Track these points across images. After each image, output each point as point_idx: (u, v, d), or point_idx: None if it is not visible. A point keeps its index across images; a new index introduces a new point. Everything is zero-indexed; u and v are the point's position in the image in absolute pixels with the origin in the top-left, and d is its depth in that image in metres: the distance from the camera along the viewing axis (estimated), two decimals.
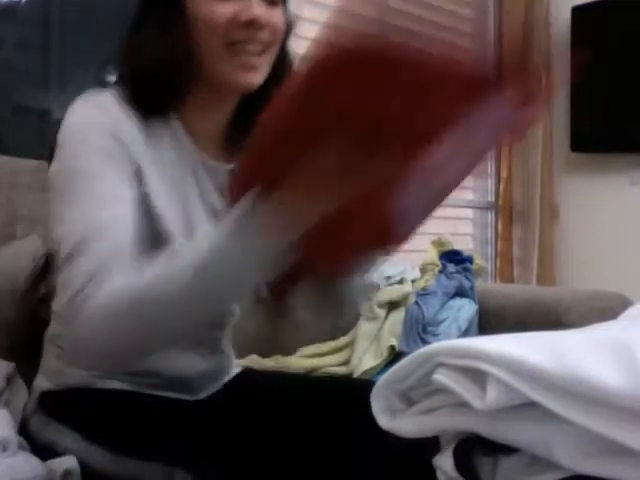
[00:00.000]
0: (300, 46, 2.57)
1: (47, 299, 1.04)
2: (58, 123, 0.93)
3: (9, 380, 1.02)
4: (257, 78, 0.90)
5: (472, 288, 1.82)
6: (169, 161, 0.91)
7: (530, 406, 0.53)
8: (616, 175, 2.78)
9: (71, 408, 0.96)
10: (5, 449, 0.81)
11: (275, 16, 0.91)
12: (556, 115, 2.87)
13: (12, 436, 0.84)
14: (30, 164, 1.32)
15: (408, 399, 0.62)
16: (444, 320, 1.71)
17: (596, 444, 0.50)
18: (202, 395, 1.04)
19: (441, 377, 0.57)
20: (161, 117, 0.91)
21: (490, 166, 2.98)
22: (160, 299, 0.72)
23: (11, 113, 1.72)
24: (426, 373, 0.60)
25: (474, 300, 1.80)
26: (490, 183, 2.97)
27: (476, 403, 0.55)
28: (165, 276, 0.72)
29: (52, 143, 0.88)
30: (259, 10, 0.88)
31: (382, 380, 0.61)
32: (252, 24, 0.87)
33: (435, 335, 1.60)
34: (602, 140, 2.77)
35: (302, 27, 2.44)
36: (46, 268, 1.11)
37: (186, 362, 1.00)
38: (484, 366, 0.55)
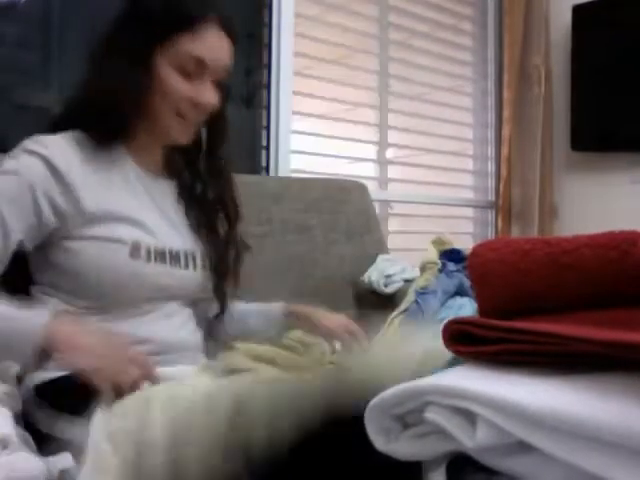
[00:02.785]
0: (300, 45, 2.55)
1: None
2: None
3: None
4: (190, 138, 1.12)
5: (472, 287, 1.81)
6: (116, 184, 1.08)
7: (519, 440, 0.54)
8: (616, 174, 2.78)
9: (77, 393, 0.98)
10: (5, 447, 0.81)
11: (217, 98, 1.09)
12: (556, 114, 2.87)
13: (12, 434, 0.84)
14: None
15: (402, 420, 0.63)
16: (444, 319, 1.70)
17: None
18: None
19: (433, 416, 0.59)
20: (108, 152, 1.07)
21: (490, 165, 2.98)
22: None
23: (11, 112, 1.72)
24: (416, 407, 0.61)
25: (474, 299, 1.79)
26: (490, 182, 2.98)
27: (467, 442, 0.56)
28: None
29: None
30: (209, 95, 1.07)
31: (374, 404, 0.63)
32: (200, 107, 1.07)
33: None
34: (602, 139, 2.76)
35: (302, 26, 2.43)
36: None
37: (172, 326, 1.10)
38: (474, 407, 0.56)
